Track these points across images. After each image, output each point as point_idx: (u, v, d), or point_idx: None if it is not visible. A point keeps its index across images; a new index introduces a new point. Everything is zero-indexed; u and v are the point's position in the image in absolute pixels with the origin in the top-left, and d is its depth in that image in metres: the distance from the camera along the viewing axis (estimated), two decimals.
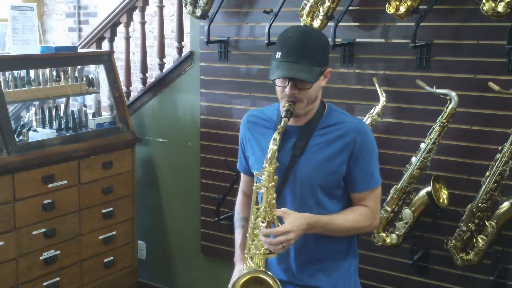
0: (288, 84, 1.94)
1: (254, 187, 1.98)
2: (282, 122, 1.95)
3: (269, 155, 1.93)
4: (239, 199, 2.34)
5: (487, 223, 2.66)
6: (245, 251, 2.04)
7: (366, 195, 2.07)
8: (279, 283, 1.95)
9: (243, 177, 2.32)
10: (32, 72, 3.65)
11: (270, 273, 1.97)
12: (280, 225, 1.94)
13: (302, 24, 2.94)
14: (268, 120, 2.14)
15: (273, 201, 1.94)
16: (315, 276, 2.10)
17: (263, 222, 1.94)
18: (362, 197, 2.07)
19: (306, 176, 2.03)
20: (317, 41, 1.96)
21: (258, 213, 1.97)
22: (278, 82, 1.98)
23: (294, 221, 1.92)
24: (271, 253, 1.97)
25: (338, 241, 2.11)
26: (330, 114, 2.08)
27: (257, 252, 1.98)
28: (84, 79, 3.93)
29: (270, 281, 1.94)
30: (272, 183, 1.94)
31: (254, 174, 2.01)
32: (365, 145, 2.03)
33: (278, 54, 1.94)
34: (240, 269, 2.09)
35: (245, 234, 2.13)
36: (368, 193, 2.07)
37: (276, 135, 1.93)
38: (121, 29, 4.31)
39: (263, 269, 1.98)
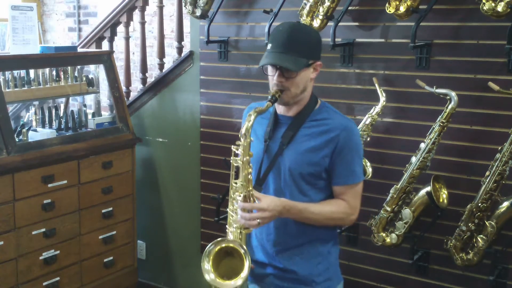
0: (276, 73, 2.09)
1: (231, 161, 2.10)
2: (265, 105, 2.09)
3: (243, 131, 2.06)
4: None
5: (487, 223, 2.66)
6: (226, 226, 2.17)
7: (346, 190, 2.17)
8: (249, 254, 2.05)
9: None
10: (32, 72, 3.65)
11: (243, 245, 2.07)
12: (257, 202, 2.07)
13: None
14: (267, 112, 2.23)
15: (249, 176, 2.06)
16: (293, 260, 2.20)
17: (239, 196, 2.06)
18: (342, 191, 2.17)
19: (289, 164, 2.14)
20: (306, 35, 2.11)
21: (235, 187, 2.09)
22: (268, 71, 2.13)
23: (270, 201, 2.05)
24: (246, 228, 2.09)
25: (319, 229, 2.20)
26: (322, 110, 2.20)
27: (235, 225, 2.11)
28: (84, 79, 3.93)
29: (241, 251, 2.05)
30: (247, 157, 2.06)
31: (232, 148, 2.11)
32: (349, 142, 2.13)
33: (269, 46, 2.11)
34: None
35: None
36: (347, 187, 2.17)
37: (252, 113, 2.08)
38: (121, 29, 4.31)
39: (238, 241, 2.09)
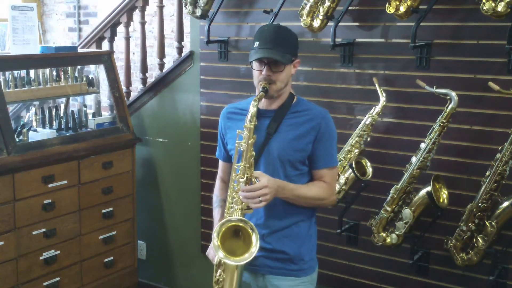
0: (264, 68, 2.28)
1: (236, 144, 2.28)
2: (259, 95, 2.27)
3: (249, 116, 2.24)
4: (217, 185, 2.62)
5: (487, 223, 2.66)
6: (225, 211, 2.33)
7: (326, 173, 2.39)
8: (256, 231, 2.19)
9: (221, 164, 2.62)
10: (32, 72, 3.65)
11: (249, 222, 2.22)
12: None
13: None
14: (245, 110, 2.39)
15: (252, 159, 2.24)
16: (282, 241, 2.39)
17: (242, 178, 2.22)
18: (322, 174, 2.39)
19: (277, 152, 2.34)
20: (288, 34, 2.34)
21: (238, 170, 2.25)
22: (256, 67, 2.31)
23: (268, 179, 2.23)
24: (248, 208, 2.25)
25: (302, 211, 2.41)
26: (299, 103, 2.43)
27: (236, 207, 2.26)
28: (84, 79, 3.93)
29: (249, 229, 2.20)
30: (252, 140, 2.24)
31: (237, 132, 2.29)
32: (328, 129, 2.38)
33: (256, 44, 2.30)
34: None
35: (223, 213, 2.42)
36: (327, 170, 2.39)
37: (255, 98, 2.26)
38: (121, 29, 4.31)
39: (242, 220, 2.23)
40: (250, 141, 2.23)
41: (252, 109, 2.25)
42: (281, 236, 2.39)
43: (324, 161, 2.38)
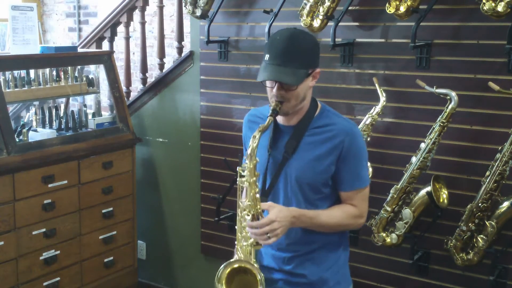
0: (275, 85, 2.03)
1: (238, 182, 2.06)
2: (267, 120, 2.04)
3: (249, 152, 2.02)
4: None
5: (487, 223, 2.66)
6: (235, 243, 2.13)
7: (353, 195, 2.16)
8: (262, 275, 2.04)
9: None
10: (32, 72, 3.65)
11: (255, 265, 2.06)
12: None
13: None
14: (264, 118, 2.18)
15: (257, 195, 2.03)
16: (303, 265, 2.18)
17: (248, 215, 2.03)
18: (349, 196, 2.16)
19: (296, 174, 2.11)
20: (304, 44, 2.03)
21: (243, 207, 2.05)
22: (267, 82, 2.07)
23: (278, 212, 2.01)
24: (258, 244, 2.06)
25: (329, 235, 2.19)
26: (323, 115, 2.16)
27: (245, 243, 2.08)
28: (84, 79, 3.93)
29: (254, 271, 2.04)
30: (254, 178, 2.02)
31: (237, 169, 2.07)
32: (353, 147, 2.11)
33: (267, 56, 2.04)
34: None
35: None
36: (355, 192, 2.16)
37: (256, 133, 2.02)
38: (121, 29, 4.31)
39: (249, 260, 2.07)
40: (252, 180, 2.02)
41: (252, 144, 2.01)
42: (304, 260, 2.18)
43: (350, 183, 2.14)
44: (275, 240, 2.00)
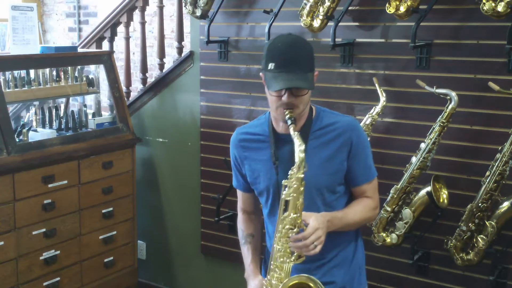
0: (285, 93, 1.98)
1: (283, 196, 1.97)
2: (292, 130, 1.97)
3: (298, 162, 1.93)
4: (240, 217, 2.36)
5: (487, 223, 2.66)
6: (271, 262, 2.05)
7: (367, 187, 2.17)
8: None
9: (241, 195, 2.34)
10: (32, 72, 3.65)
11: (317, 280, 1.98)
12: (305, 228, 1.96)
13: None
14: (260, 134, 2.18)
15: (302, 207, 1.97)
16: (331, 273, 2.18)
17: (292, 229, 1.95)
18: (363, 190, 2.17)
19: (311, 180, 2.03)
20: (305, 49, 2.02)
21: (285, 221, 1.97)
22: (274, 92, 2.00)
23: (316, 219, 1.97)
24: (300, 257, 1.99)
25: (347, 235, 2.20)
26: (320, 116, 2.15)
27: (288, 260, 2.00)
28: (84, 79, 3.93)
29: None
30: (302, 188, 1.96)
31: (282, 183, 1.98)
32: (360, 140, 2.13)
33: (271, 65, 1.98)
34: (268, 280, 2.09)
35: (254, 250, 2.26)
36: (368, 185, 2.17)
37: (301, 143, 1.94)
38: (121, 29, 4.31)
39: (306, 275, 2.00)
40: (300, 190, 1.94)
41: (300, 155, 1.92)
42: (330, 268, 2.18)
43: (364, 176, 2.15)
44: (320, 248, 1.96)
